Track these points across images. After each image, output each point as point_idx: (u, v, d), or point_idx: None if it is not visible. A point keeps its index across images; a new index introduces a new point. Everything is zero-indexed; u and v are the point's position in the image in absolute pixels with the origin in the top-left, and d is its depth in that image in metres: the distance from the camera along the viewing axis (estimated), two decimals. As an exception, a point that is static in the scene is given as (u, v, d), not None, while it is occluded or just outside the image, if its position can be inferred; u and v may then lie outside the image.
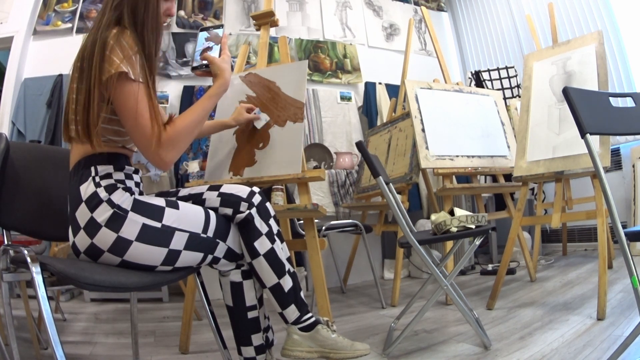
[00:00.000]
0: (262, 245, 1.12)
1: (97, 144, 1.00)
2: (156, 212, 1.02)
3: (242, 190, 1.15)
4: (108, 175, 1.02)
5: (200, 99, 1.14)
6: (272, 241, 1.14)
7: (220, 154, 1.77)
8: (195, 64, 1.22)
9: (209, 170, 1.79)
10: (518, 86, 3.72)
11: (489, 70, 3.81)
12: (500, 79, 3.76)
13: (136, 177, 1.10)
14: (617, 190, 3.24)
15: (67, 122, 1.05)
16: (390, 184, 1.74)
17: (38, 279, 0.83)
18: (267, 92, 1.77)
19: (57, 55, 3.33)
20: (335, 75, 3.99)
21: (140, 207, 1.01)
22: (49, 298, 0.86)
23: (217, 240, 1.10)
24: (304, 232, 1.65)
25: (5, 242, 1.08)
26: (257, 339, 1.19)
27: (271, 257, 1.13)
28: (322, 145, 3.56)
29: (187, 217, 1.06)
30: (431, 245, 1.85)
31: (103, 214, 0.97)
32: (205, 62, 1.20)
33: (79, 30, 3.44)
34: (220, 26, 1.26)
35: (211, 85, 1.18)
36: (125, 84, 0.97)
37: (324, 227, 2.38)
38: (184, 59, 3.58)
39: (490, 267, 3.10)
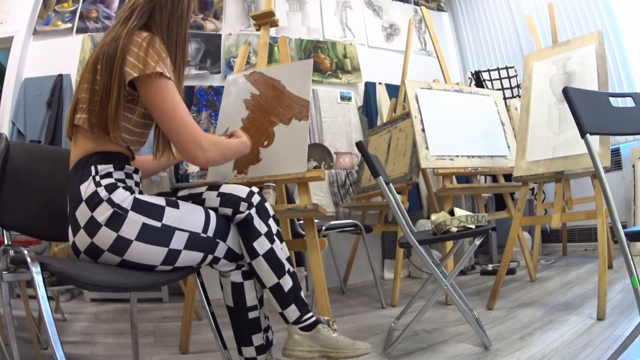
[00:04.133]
0: (261, 245, 1.12)
1: (115, 136, 1.02)
2: (156, 212, 1.02)
3: (242, 190, 1.15)
4: (108, 175, 1.02)
5: (234, 140, 1.26)
6: (272, 241, 1.14)
7: None
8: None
9: (213, 169, 1.79)
10: (518, 86, 3.72)
11: (489, 70, 3.81)
12: (500, 79, 3.76)
13: (136, 177, 1.10)
14: (617, 190, 3.24)
15: (74, 112, 1.06)
16: (390, 184, 1.74)
17: (38, 279, 0.83)
18: (272, 90, 1.77)
19: (57, 55, 3.33)
20: (335, 75, 3.98)
21: (140, 207, 1.01)
22: (49, 298, 0.86)
23: (217, 240, 1.10)
24: (304, 232, 1.65)
25: (5, 242, 1.08)
26: (257, 339, 1.19)
27: (270, 257, 1.13)
28: (322, 145, 3.55)
29: (187, 217, 1.06)
30: (431, 245, 1.85)
31: (103, 213, 0.97)
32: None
33: (79, 30, 3.44)
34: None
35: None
36: (163, 83, 1.01)
37: (324, 227, 2.38)
38: (184, 59, 3.57)
39: (490, 267, 3.09)
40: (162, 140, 1.16)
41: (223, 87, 2.18)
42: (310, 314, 1.16)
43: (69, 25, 3.45)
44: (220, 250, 1.11)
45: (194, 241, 1.05)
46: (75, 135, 1.08)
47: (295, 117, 1.67)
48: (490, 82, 3.75)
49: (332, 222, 2.48)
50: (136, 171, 1.11)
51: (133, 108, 1.07)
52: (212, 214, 1.11)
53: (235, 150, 1.25)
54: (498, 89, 3.64)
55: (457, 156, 2.43)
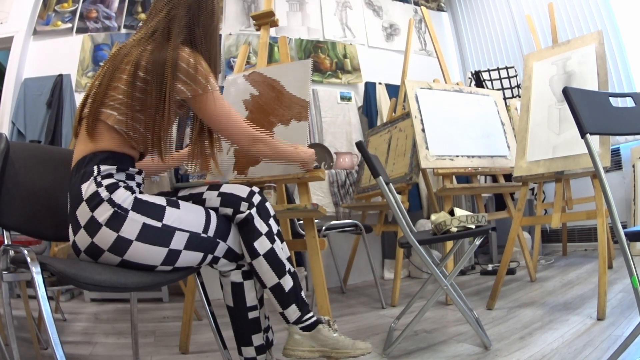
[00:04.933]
0: (261, 245, 1.12)
1: (168, 159, 1.11)
2: (157, 212, 1.02)
3: (242, 190, 1.15)
4: (109, 175, 1.02)
5: (292, 147, 1.41)
6: (272, 241, 1.14)
7: (224, 154, 1.77)
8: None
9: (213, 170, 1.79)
10: (518, 86, 3.72)
11: (489, 70, 3.81)
12: (500, 79, 3.76)
13: (138, 178, 1.10)
14: (617, 190, 3.24)
15: (90, 106, 1.06)
16: (390, 184, 1.74)
17: (38, 279, 0.83)
18: (271, 90, 1.76)
19: (57, 55, 3.33)
20: (335, 75, 3.98)
21: (140, 207, 1.01)
22: (49, 298, 0.86)
23: (218, 240, 1.10)
24: (304, 232, 1.65)
25: (5, 242, 1.08)
26: (257, 339, 1.19)
27: (271, 257, 1.13)
28: (322, 145, 3.55)
29: (187, 217, 1.06)
30: (431, 245, 1.85)
31: (104, 213, 0.97)
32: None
33: (79, 30, 3.44)
34: None
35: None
36: (214, 96, 1.12)
37: (324, 227, 2.38)
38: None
39: (490, 267, 3.09)
40: (198, 151, 1.25)
41: (223, 87, 2.18)
42: (310, 314, 1.16)
43: (69, 25, 3.45)
44: (221, 250, 1.11)
45: (194, 241, 1.05)
46: (91, 130, 1.04)
47: (295, 118, 1.67)
48: (490, 82, 3.75)
49: (332, 222, 2.48)
50: (139, 172, 1.11)
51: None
52: (213, 213, 1.11)
53: (281, 154, 1.36)
54: (498, 89, 3.64)
55: (457, 156, 2.43)
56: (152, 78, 1.04)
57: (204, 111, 1.12)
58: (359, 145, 1.63)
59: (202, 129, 1.24)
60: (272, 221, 1.16)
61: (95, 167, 1.01)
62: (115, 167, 1.03)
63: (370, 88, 3.95)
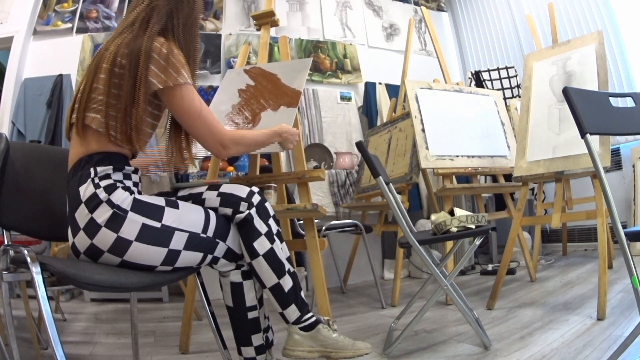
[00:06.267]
0: (261, 245, 1.12)
1: (140, 147, 1.07)
2: (156, 212, 1.02)
3: (242, 190, 1.15)
4: (107, 176, 1.02)
5: (267, 130, 1.29)
6: (272, 241, 1.14)
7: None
8: None
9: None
10: (518, 86, 3.72)
11: (489, 70, 3.81)
12: (500, 79, 3.76)
13: (135, 177, 1.10)
14: (617, 190, 3.24)
15: (78, 110, 1.05)
16: (390, 184, 1.74)
17: (38, 279, 0.83)
18: (268, 82, 1.77)
19: (57, 55, 3.33)
20: (335, 75, 3.98)
21: (139, 207, 1.01)
22: (49, 298, 0.86)
23: (217, 240, 1.10)
24: (304, 232, 1.65)
25: (5, 242, 1.08)
26: (257, 339, 1.19)
27: (271, 257, 1.13)
28: (322, 145, 3.56)
29: (186, 217, 1.06)
30: (431, 245, 1.85)
31: (103, 214, 0.97)
32: None
33: (79, 30, 3.44)
34: None
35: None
36: (185, 90, 1.07)
37: (324, 227, 2.38)
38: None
39: (490, 267, 3.09)
40: (175, 145, 1.20)
41: (216, 86, 2.17)
42: (310, 314, 1.16)
43: (69, 25, 3.45)
44: (220, 250, 1.11)
45: (194, 241, 1.05)
46: (81, 134, 1.05)
47: (285, 105, 1.66)
48: (490, 82, 3.75)
49: (332, 222, 2.48)
50: (135, 171, 1.11)
51: (154, 114, 1.12)
52: (212, 214, 1.11)
53: (260, 142, 1.28)
54: (498, 89, 3.64)
55: (457, 156, 2.43)
56: (126, 71, 1.02)
57: (172, 105, 1.08)
58: (359, 145, 1.63)
59: (178, 123, 1.19)
60: (271, 221, 1.16)
61: (92, 169, 1.01)
62: (111, 167, 1.03)
63: (370, 88, 3.95)
